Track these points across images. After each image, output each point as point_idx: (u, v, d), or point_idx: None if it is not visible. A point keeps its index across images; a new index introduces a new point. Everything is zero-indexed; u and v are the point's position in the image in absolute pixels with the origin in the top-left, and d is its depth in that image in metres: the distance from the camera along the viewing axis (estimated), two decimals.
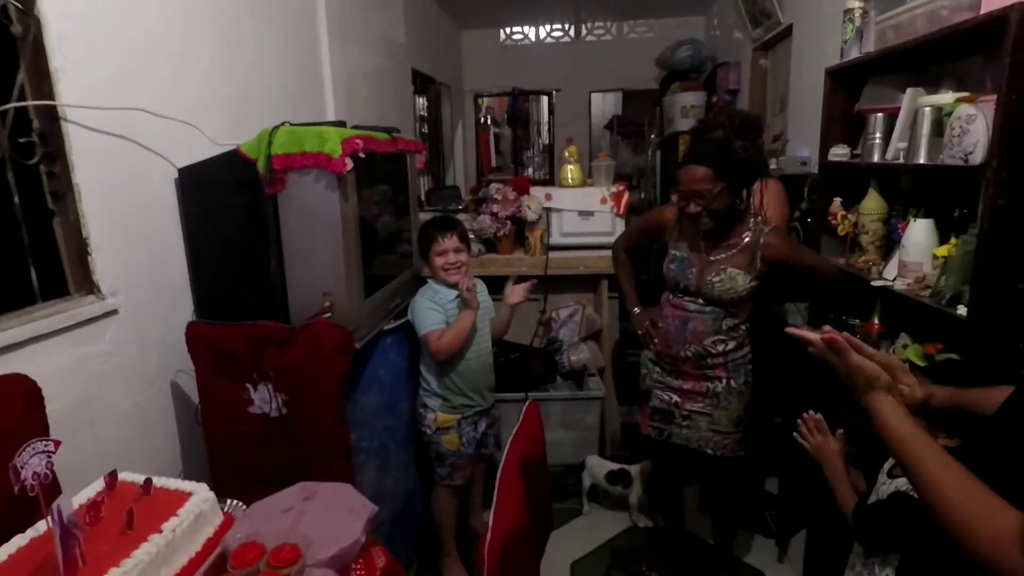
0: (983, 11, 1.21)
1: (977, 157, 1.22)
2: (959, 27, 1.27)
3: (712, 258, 1.78)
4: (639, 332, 1.99)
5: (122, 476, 1.15)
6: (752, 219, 1.78)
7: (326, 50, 2.54)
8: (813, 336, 0.95)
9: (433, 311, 1.94)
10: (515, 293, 2.07)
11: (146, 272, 1.53)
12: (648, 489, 2.42)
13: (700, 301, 1.80)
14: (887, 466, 1.35)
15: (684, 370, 1.87)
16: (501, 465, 1.06)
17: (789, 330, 1.00)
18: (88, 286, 1.37)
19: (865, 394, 0.90)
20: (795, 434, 1.41)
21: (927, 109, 1.44)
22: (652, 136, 5.34)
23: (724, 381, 1.84)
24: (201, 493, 1.11)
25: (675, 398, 1.90)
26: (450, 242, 1.98)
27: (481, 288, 2.09)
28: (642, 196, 5.30)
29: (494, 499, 0.98)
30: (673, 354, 1.87)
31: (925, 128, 1.45)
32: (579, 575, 2.21)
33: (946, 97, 1.40)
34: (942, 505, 0.74)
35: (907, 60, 1.65)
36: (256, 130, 1.55)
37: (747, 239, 1.75)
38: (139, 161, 1.51)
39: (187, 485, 1.13)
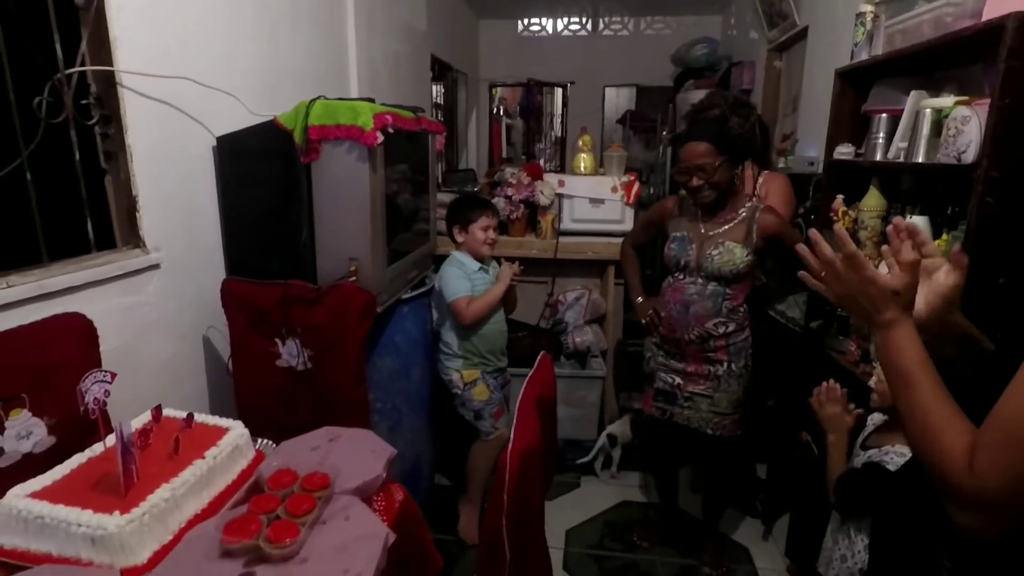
0: (984, 19, 1.30)
1: (969, 156, 1.31)
2: (961, 33, 1.35)
3: (711, 233, 1.90)
4: (643, 321, 2.09)
5: (165, 412, 1.25)
6: (747, 198, 1.92)
7: (352, 34, 2.65)
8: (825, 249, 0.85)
9: (462, 279, 2.13)
10: (503, 278, 2.21)
11: (184, 232, 1.63)
12: (647, 468, 2.53)
13: (700, 281, 1.90)
14: (860, 438, 1.45)
15: (688, 353, 1.97)
16: (519, 398, 1.16)
17: (800, 248, 0.90)
18: (135, 240, 1.48)
19: (879, 313, 0.81)
20: (810, 400, 1.51)
21: (928, 111, 1.53)
22: (664, 132, 5.40)
23: (725, 364, 1.94)
24: (237, 429, 1.22)
25: (678, 380, 2.00)
26: (492, 220, 2.19)
27: (493, 263, 2.26)
28: (651, 191, 5.37)
29: (514, 421, 1.08)
30: (677, 338, 1.97)
31: (925, 129, 1.53)
32: (574, 541, 2.31)
33: (947, 100, 1.49)
34: (922, 433, 0.75)
35: (913, 64, 1.73)
36: (288, 106, 1.65)
37: (743, 214, 1.88)
38: (183, 127, 1.61)
39: (224, 422, 1.24)
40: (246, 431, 1.23)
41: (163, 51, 1.50)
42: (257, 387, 1.64)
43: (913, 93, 1.62)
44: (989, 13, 1.28)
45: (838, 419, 1.47)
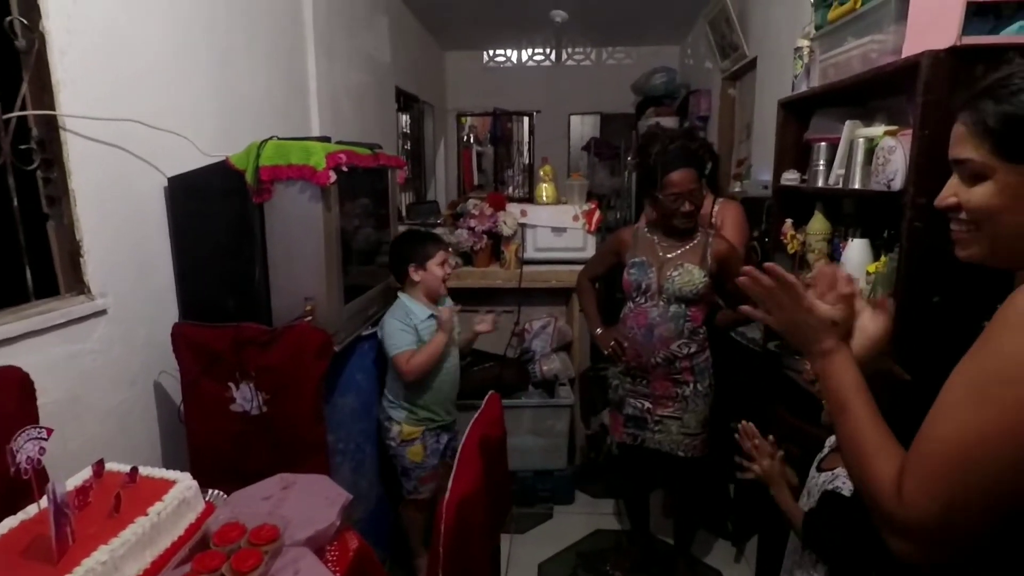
0: (903, 55, 1.37)
1: (897, 184, 1.37)
2: (884, 68, 1.42)
3: (669, 256, 1.97)
4: (606, 352, 2.10)
5: (108, 466, 1.21)
6: (702, 227, 2.02)
7: (312, 67, 2.65)
8: (759, 276, 0.85)
9: (404, 332, 2.00)
10: (484, 323, 2.20)
11: (134, 275, 1.60)
12: (619, 494, 2.52)
13: (662, 304, 1.94)
14: (817, 460, 1.47)
15: (654, 376, 1.99)
16: (462, 442, 1.15)
17: (756, 271, 0.87)
18: (79, 286, 1.44)
19: (818, 343, 0.83)
20: (743, 462, 1.44)
21: (861, 140, 1.59)
22: (628, 159, 5.51)
23: (691, 385, 1.98)
24: (185, 481, 1.18)
25: (647, 404, 2.03)
26: (447, 253, 2.12)
27: (450, 304, 2.19)
28: (618, 216, 5.46)
29: (453, 468, 1.07)
30: (644, 363, 1.99)
31: (859, 157, 1.60)
32: (547, 575, 2.28)
33: (877, 130, 1.56)
34: (856, 460, 0.75)
35: (848, 95, 1.81)
36: (244, 143, 1.64)
37: (698, 238, 1.97)
38: (131, 169, 1.59)
39: (171, 474, 1.20)
40: (194, 483, 1.19)
41: (109, 93, 1.49)
42: (211, 433, 1.61)
43: (848, 123, 1.69)
44: (907, 50, 1.34)
45: (771, 472, 1.45)
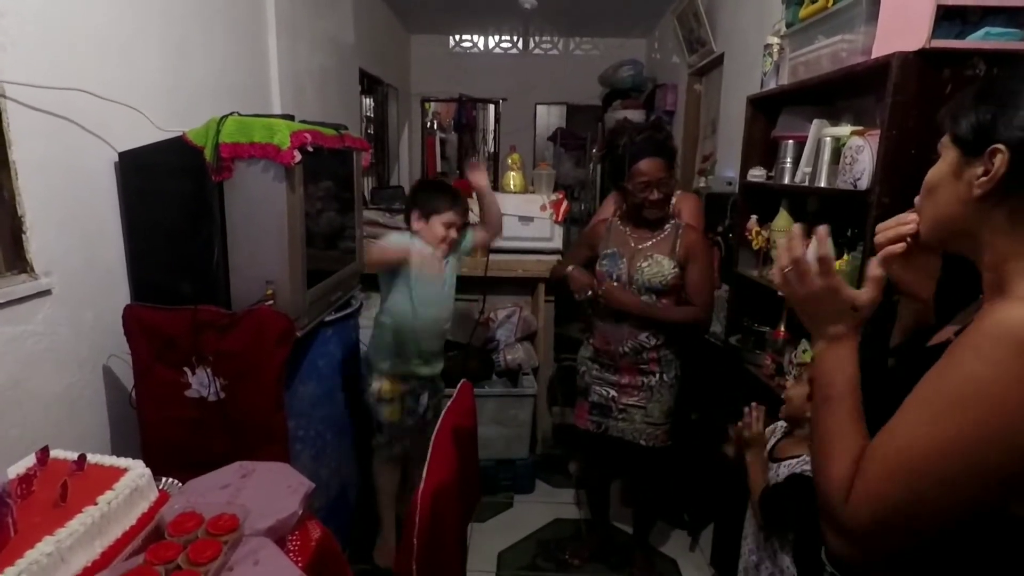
0: (873, 56, 1.40)
1: (864, 183, 1.40)
2: (854, 68, 1.45)
3: (639, 247, 1.98)
4: (578, 296, 2.01)
5: (54, 453, 1.14)
6: (673, 218, 2.03)
7: (274, 46, 2.56)
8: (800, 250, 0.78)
9: (400, 240, 2.00)
10: (478, 175, 2.12)
11: (82, 254, 1.51)
12: (580, 483, 2.54)
13: (632, 294, 1.94)
14: (766, 451, 1.52)
15: (622, 365, 2.01)
16: (435, 430, 1.13)
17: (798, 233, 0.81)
18: (21, 264, 1.35)
19: (830, 324, 0.79)
20: (739, 424, 1.54)
21: (828, 139, 1.63)
22: (594, 150, 5.54)
23: (658, 375, 2.00)
24: (137, 469, 1.13)
25: (612, 392, 2.04)
26: (459, 218, 2.00)
27: (454, 261, 2.11)
28: (583, 207, 5.49)
29: (427, 458, 1.05)
30: (612, 351, 2.00)
31: (826, 156, 1.63)
32: (506, 564, 2.29)
33: (844, 129, 1.59)
34: (821, 453, 0.76)
35: (816, 94, 1.84)
36: (201, 119, 1.56)
37: (668, 230, 1.98)
38: (79, 142, 1.50)
39: (123, 462, 1.14)
40: (147, 471, 1.14)
41: (55, 61, 1.40)
42: (164, 419, 1.54)
43: (815, 122, 1.73)
44: (877, 51, 1.37)
45: (760, 436, 1.52)
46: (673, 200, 2.39)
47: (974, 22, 1.26)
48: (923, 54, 1.26)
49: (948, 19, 1.26)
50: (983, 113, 0.70)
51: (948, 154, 0.75)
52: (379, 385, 2.05)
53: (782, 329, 1.99)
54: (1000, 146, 0.68)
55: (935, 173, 0.78)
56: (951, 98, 0.77)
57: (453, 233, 1.99)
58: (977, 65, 0.77)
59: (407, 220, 2.05)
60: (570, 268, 2.06)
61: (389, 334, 2.03)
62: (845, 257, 1.58)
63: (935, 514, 0.67)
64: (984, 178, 0.69)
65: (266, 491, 1.15)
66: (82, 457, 1.12)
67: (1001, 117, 0.68)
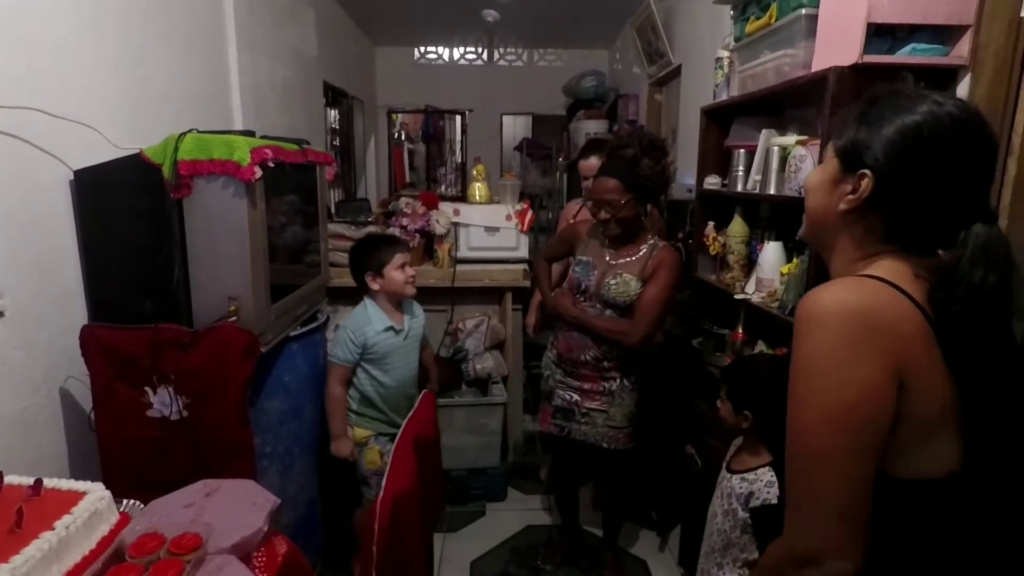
0: (812, 70, 1.47)
1: None
2: (795, 81, 1.53)
3: (613, 263, 1.99)
4: (561, 310, 2.06)
5: (8, 479, 1.12)
6: (652, 238, 2.00)
7: (234, 59, 2.54)
8: None
9: (348, 346, 1.97)
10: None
11: (35, 274, 1.48)
12: (549, 489, 2.56)
13: (598, 306, 1.98)
14: (727, 460, 1.56)
15: (583, 372, 2.04)
16: (396, 441, 1.14)
17: None
18: None
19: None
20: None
21: (776, 148, 1.70)
22: (560, 159, 5.61)
23: (619, 380, 2.03)
24: (97, 492, 1.11)
25: (575, 397, 2.07)
26: (406, 255, 2.03)
27: (418, 309, 2.15)
28: (549, 216, 5.55)
29: (387, 467, 1.07)
30: (574, 358, 2.03)
31: (774, 164, 1.70)
32: (479, 573, 2.30)
33: (790, 139, 1.67)
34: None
35: (765, 105, 1.92)
36: (159, 136, 1.56)
37: (643, 251, 1.97)
38: (31, 161, 1.47)
39: (81, 485, 1.12)
40: (107, 493, 1.12)
41: (8, 79, 1.38)
42: (125, 440, 1.51)
43: (764, 132, 1.80)
44: (816, 65, 1.45)
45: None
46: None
47: (903, 38, 1.34)
48: (856, 68, 1.33)
49: (880, 36, 1.33)
50: (860, 133, 0.77)
51: (831, 163, 0.82)
52: (350, 431, 2.03)
53: (740, 331, 2.05)
54: (867, 172, 0.74)
55: (816, 177, 0.85)
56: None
57: (410, 271, 2.03)
58: (906, 79, 0.83)
59: (362, 285, 2.05)
60: (552, 294, 2.16)
61: (355, 402, 2.04)
62: (795, 261, 1.65)
63: (845, 488, 0.71)
64: (851, 196, 0.76)
65: (230, 508, 1.14)
66: (38, 482, 1.10)
67: (873, 143, 0.75)
